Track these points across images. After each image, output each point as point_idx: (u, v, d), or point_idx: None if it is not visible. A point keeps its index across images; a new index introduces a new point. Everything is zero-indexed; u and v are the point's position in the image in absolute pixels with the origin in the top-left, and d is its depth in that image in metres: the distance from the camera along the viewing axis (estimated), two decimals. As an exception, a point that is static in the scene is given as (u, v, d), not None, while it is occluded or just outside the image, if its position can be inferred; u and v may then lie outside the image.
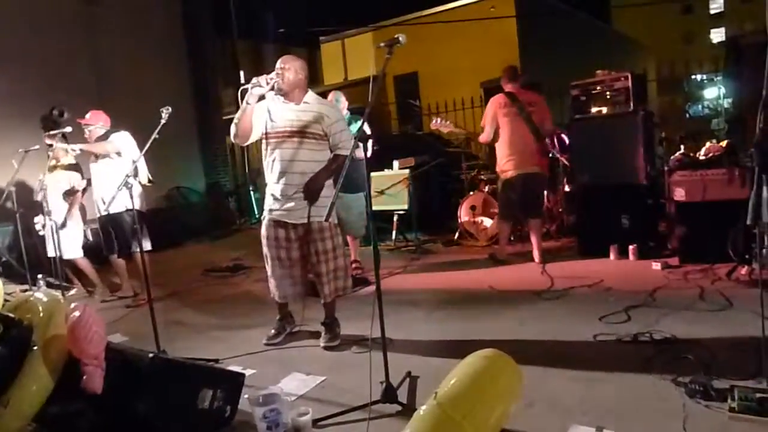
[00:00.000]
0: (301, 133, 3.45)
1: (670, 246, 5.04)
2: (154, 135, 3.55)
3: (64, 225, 5.49)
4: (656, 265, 4.67)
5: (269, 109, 3.54)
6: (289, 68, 3.45)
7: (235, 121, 3.49)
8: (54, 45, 7.79)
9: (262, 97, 3.50)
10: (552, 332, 3.54)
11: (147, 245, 5.16)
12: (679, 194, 4.72)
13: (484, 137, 5.41)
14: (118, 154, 5.10)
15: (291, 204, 3.49)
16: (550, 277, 4.74)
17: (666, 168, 5.10)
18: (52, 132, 5.36)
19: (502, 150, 5.31)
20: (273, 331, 3.81)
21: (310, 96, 3.56)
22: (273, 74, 3.41)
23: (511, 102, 5.26)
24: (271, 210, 3.59)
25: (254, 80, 3.38)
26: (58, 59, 7.80)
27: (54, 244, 5.29)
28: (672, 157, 5.19)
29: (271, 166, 3.54)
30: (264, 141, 3.57)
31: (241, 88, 3.42)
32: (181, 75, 10.18)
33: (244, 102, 3.39)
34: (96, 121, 5.30)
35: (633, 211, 5.13)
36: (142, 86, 8.66)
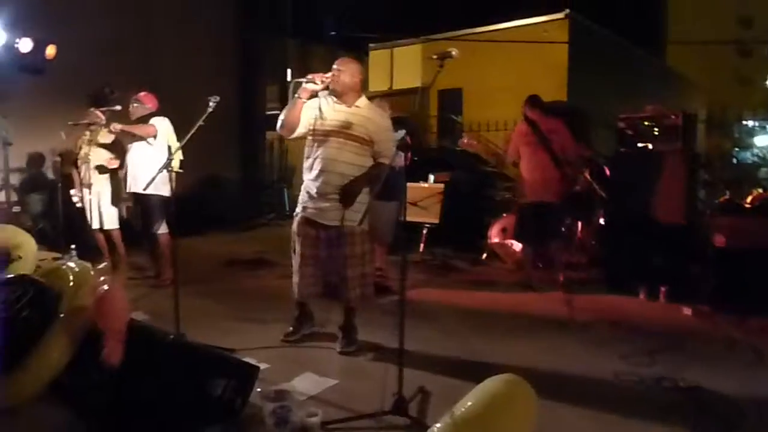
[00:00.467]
0: (348, 134, 3.46)
1: (703, 292, 4.89)
2: (200, 122, 3.60)
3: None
4: (686, 310, 4.55)
5: (320, 107, 3.56)
6: (345, 70, 3.49)
7: (283, 113, 3.53)
8: (111, 25, 7.98)
9: (314, 95, 3.53)
10: (572, 365, 3.47)
11: (164, 229, 5.31)
12: (719, 240, 4.59)
13: (510, 162, 5.63)
14: (154, 137, 5.21)
15: (326, 204, 3.48)
16: (573, 308, 4.64)
17: (708, 211, 4.97)
18: (102, 108, 5.51)
19: (523, 177, 5.48)
20: (291, 328, 3.81)
21: (363, 101, 3.59)
22: (329, 74, 3.45)
23: (532, 131, 5.37)
24: (304, 207, 3.59)
25: (309, 76, 3.41)
26: (112, 41, 7.98)
27: (96, 215, 5.46)
28: (716, 201, 5.06)
29: (313, 163, 3.55)
30: (310, 137, 3.58)
31: (295, 81, 3.46)
32: (230, 67, 10.34)
33: (296, 96, 3.43)
34: (147, 101, 5.40)
35: (668, 252, 5.00)
36: (191, 73, 8.82)
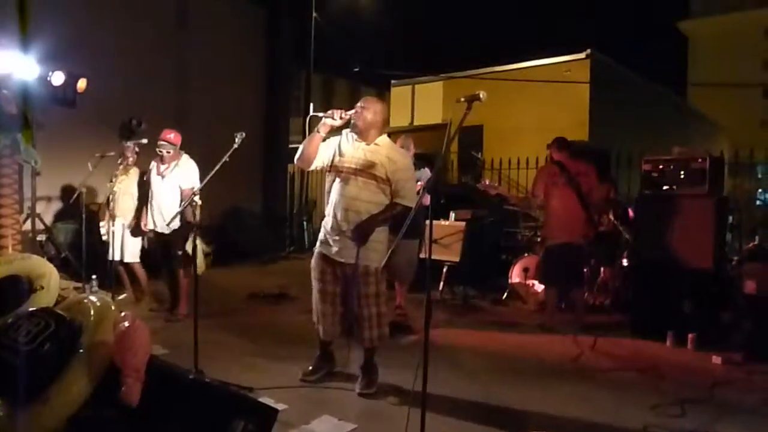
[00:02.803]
0: (365, 173, 3.46)
1: (734, 340, 4.74)
2: (225, 158, 3.65)
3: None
4: (717, 359, 4.40)
5: (340, 144, 3.59)
6: (369, 108, 3.52)
7: (302, 145, 3.55)
8: (142, 61, 8.21)
9: (337, 131, 3.55)
10: (598, 415, 3.35)
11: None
12: (750, 286, 4.47)
13: (536, 204, 5.48)
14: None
15: (342, 242, 3.48)
16: (597, 353, 4.52)
17: (737, 257, 4.86)
18: (128, 142, 5.59)
19: (548, 217, 5.43)
20: (311, 367, 3.76)
21: (383, 139, 3.59)
22: (351, 111, 3.47)
23: (560, 172, 5.36)
24: (322, 243, 3.61)
25: (329, 112, 3.44)
26: (144, 74, 8.20)
27: (118, 247, 5.52)
28: (745, 247, 4.94)
29: (331, 199, 3.57)
30: (328, 174, 3.62)
31: (312, 115, 3.52)
32: (255, 101, 10.55)
33: (315, 129, 3.46)
34: (174, 141, 5.23)
35: (696, 297, 4.86)
36: (218, 107, 9.00)
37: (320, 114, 3.47)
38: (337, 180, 3.54)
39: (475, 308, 6.35)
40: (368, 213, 3.45)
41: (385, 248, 3.50)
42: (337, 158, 3.56)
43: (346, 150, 3.56)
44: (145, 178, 5.54)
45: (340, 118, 3.42)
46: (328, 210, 3.59)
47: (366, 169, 3.47)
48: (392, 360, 3.86)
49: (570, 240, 5.29)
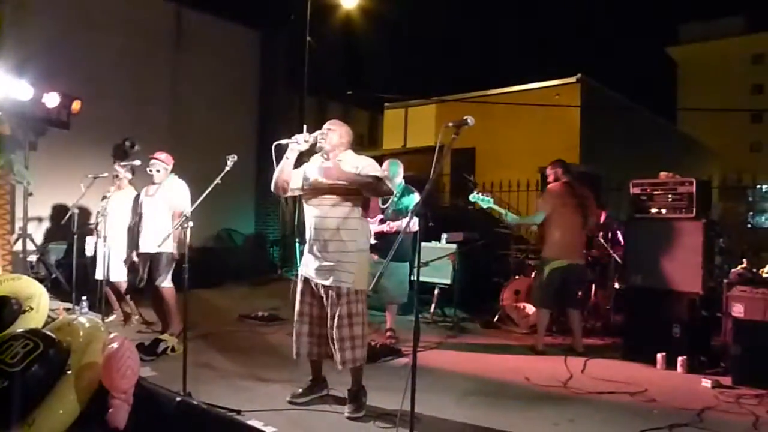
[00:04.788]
0: (332, 189, 3.54)
1: (723, 364, 4.75)
2: (217, 180, 3.69)
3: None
4: (706, 382, 4.40)
5: (305, 170, 3.69)
6: (335, 130, 3.65)
7: (275, 174, 3.65)
8: (136, 83, 8.29)
9: (311, 153, 3.63)
10: (588, 438, 3.35)
11: (168, 282, 5.12)
12: (738, 310, 4.51)
13: (539, 221, 5.46)
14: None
15: (318, 263, 3.56)
16: (570, 374, 4.52)
17: (725, 281, 4.89)
18: (122, 162, 5.62)
19: (553, 237, 5.38)
20: (300, 390, 3.75)
21: (347, 154, 3.68)
22: (315, 133, 3.58)
23: (570, 193, 5.38)
24: (303, 265, 3.71)
25: (294, 137, 3.55)
26: (138, 96, 8.27)
27: (103, 267, 5.44)
28: (733, 270, 4.98)
29: (306, 222, 3.67)
30: (303, 200, 3.71)
31: (276, 143, 3.58)
32: (249, 123, 10.62)
33: (284, 156, 3.57)
34: (167, 162, 5.28)
35: (685, 321, 4.89)
36: (212, 129, 9.06)
37: (284, 141, 3.57)
38: (308, 203, 3.64)
39: (465, 330, 6.34)
40: (340, 229, 3.51)
41: (361, 270, 3.57)
42: (305, 183, 3.66)
43: (311, 172, 3.66)
44: (139, 201, 5.49)
45: (305, 141, 3.53)
46: (306, 233, 3.67)
47: (331, 186, 3.54)
48: (381, 382, 3.85)
49: (572, 260, 5.33)
